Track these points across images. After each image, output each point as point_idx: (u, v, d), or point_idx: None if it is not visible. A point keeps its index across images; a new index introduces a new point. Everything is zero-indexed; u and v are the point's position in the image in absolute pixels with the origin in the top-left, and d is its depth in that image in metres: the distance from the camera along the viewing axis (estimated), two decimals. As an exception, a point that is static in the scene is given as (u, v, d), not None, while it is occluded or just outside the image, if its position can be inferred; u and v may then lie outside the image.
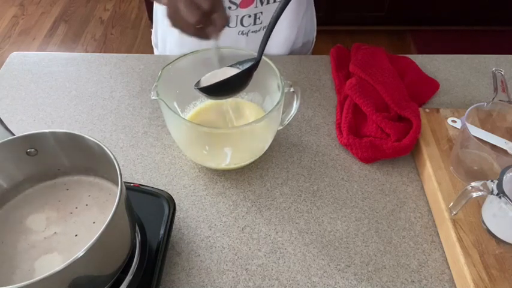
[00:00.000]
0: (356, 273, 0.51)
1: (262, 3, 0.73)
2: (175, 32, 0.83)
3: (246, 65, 0.54)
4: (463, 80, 0.77)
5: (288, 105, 0.60)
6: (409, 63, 0.77)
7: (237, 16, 0.74)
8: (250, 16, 0.75)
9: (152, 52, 0.95)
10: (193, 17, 0.47)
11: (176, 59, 0.58)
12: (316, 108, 0.72)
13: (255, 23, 0.76)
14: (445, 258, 0.53)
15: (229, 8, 0.72)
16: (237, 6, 0.72)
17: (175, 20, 0.50)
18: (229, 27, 0.76)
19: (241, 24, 0.76)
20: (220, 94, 0.55)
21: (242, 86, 0.55)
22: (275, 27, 0.80)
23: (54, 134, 0.42)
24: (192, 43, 0.59)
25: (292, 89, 0.58)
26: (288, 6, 0.77)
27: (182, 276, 0.51)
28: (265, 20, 0.77)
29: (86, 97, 0.73)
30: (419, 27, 2.24)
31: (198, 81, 0.54)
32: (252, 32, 0.78)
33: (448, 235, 0.52)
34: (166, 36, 0.86)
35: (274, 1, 0.74)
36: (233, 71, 0.54)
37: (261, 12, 0.75)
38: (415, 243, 0.54)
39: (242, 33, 0.78)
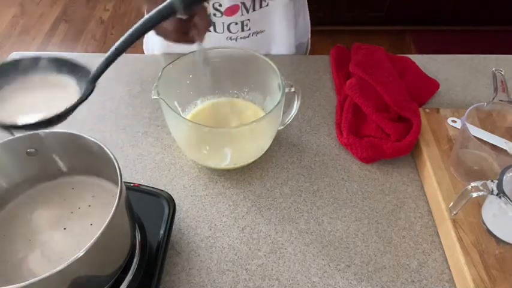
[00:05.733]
0: (356, 273, 0.51)
1: (248, 11, 0.72)
2: (161, 44, 0.82)
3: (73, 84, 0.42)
4: (463, 80, 0.77)
5: (288, 105, 0.60)
6: (409, 63, 0.77)
7: (223, 23, 0.74)
8: (237, 24, 0.74)
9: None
10: (171, 24, 0.46)
11: (177, 59, 0.58)
12: (316, 108, 0.72)
13: (243, 30, 0.76)
14: (445, 258, 0.53)
15: (214, 15, 0.72)
16: (222, 13, 0.72)
17: (157, 27, 0.47)
18: (216, 32, 0.75)
19: (229, 30, 0.75)
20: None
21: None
22: (275, 29, 0.80)
23: (54, 134, 0.42)
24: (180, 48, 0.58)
25: (292, 89, 0.58)
26: (284, 6, 0.77)
27: (182, 276, 0.51)
28: (254, 26, 0.76)
29: (86, 97, 0.73)
30: (419, 27, 2.23)
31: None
32: (241, 38, 0.77)
33: (448, 235, 0.52)
34: (154, 45, 0.86)
35: (261, 6, 0.74)
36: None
37: (248, 20, 0.74)
38: (415, 243, 0.54)
39: (231, 39, 0.77)
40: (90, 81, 0.41)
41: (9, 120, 0.37)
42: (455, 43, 2.15)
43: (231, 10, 0.72)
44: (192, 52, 0.59)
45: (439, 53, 0.82)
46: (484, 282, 0.46)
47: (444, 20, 2.20)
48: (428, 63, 0.80)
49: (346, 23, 2.19)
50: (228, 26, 0.74)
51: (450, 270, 0.51)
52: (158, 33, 0.50)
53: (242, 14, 0.73)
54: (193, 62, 0.58)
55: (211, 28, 0.75)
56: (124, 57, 0.80)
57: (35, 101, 0.39)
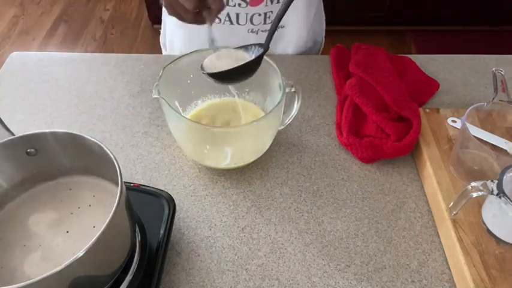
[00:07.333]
0: (356, 273, 0.51)
1: (272, 2, 0.73)
2: (182, 33, 0.84)
3: (253, 51, 0.55)
4: (463, 80, 0.77)
5: (288, 105, 0.60)
6: (409, 63, 0.77)
7: (246, 14, 0.74)
8: (260, 15, 0.74)
9: (153, 52, 0.95)
10: (190, 2, 0.49)
11: (177, 58, 0.58)
12: (316, 108, 0.72)
13: (265, 22, 0.76)
14: (445, 258, 0.53)
15: (239, 5, 0.72)
16: (247, 4, 0.72)
17: (172, 8, 0.51)
18: (239, 24, 0.76)
19: (251, 22, 0.76)
20: (226, 79, 0.56)
21: (250, 73, 0.55)
22: (287, 28, 0.80)
23: (54, 134, 0.42)
24: (198, 43, 0.59)
25: (293, 89, 0.58)
26: (299, 6, 0.77)
27: (182, 276, 0.51)
28: None
29: (86, 97, 0.73)
30: (419, 27, 2.24)
31: (202, 64, 0.55)
32: (262, 31, 0.77)
33: (448, 235, 0.52)
34: (174, 37, 0.86)
35: None
36: (240, 54, 0.55)
37: (271, 11, 0.75)
38: (415, 243, 0.54)
39: (252, 31, 0.77)
40: (265, 45, 0.54)
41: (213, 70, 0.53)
42: (455, 43, 2.15)
43: (257, 0, 0.72)
44: (193, 52, 0.59)
45: (439, 53, 0.82)
46: (484, 282, 0.46)
47: (444, 20, 2.20)
48: (428, 63, 0.80)
49: (346, 23, 2.19)
50: (251, 17, 0.75)
51: (450, 270, 0.51)
52: (173, 14, 0.52)
53: (266, 5, 0.73)
54: (193, 61, 0.58)
55: (234, 20, 0.75)
56: (124, 57, 0.81)
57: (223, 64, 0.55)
